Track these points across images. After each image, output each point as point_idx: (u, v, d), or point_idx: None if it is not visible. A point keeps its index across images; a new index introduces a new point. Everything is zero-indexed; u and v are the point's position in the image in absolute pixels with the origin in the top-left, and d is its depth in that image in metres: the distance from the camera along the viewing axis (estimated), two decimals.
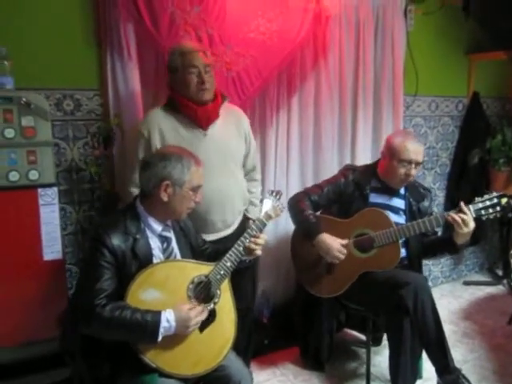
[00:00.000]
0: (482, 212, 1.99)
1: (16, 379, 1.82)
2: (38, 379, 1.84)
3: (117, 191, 2.20)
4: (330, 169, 2.66)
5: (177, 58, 1.95)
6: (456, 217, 1.97)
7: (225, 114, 2.06)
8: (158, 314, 1.46)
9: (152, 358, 1.49)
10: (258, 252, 1.72)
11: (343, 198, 2.27)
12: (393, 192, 2.26)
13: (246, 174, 2.20)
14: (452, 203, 2.02)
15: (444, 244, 2.15)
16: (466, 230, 1.97)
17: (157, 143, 1.93)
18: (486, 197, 2.00)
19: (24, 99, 1.76)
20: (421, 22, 3.02)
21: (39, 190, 1.83)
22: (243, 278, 2.15)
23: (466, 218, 1.96)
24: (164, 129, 1.94)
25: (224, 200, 2.03)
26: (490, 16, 3.10)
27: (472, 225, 1.97)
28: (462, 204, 2.00)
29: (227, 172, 2.04)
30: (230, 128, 2.08)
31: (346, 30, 2.69)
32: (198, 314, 1.52)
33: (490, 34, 3.18)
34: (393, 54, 2.88)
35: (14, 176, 1.79)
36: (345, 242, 2.13)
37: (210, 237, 2.03)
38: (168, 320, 1.46)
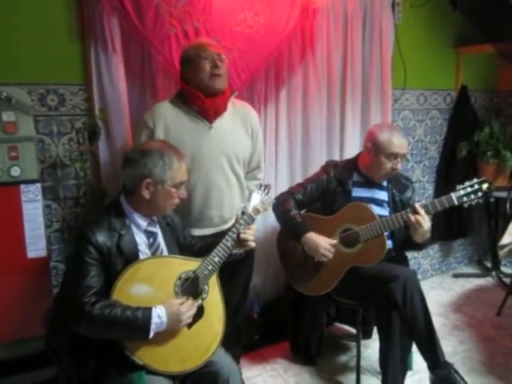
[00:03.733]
0: (465, 199, 2.01)
1: (0, 379, 1.79)
2: (22, 378, 1.82)
3: (104, 186, 2.17)
4: (319, 162, 2.64)
5: (190, 50, 1.95)
6: (412, 217, 1.99)
7: (233, 109, 2.05)
8: (148, 310, 1.44)
9: (139, 355, 1.47)
10: (252, 244, 1.71)
11: (327, 194, 2.26)
12: (375, 185, 2.26)
13: (248, 172, 2.17)
14: (441, 196, 2.04)
15: (410, 240, 2.15)
16: (420, 230, 1.99)
17: (160, 134, 1.92)
18: (467, 183, 2.02)
19: (4, 94, 1.73)
20: (408, 15, 3.01)
21: (21, 186, 1.80)
22: (238, 272, 2.16)
23: (420, 219, 1.98)
24: (169, 120, 1.94)
25: (223, 196, 2.02)
26: (477, 9, 3.11)
27: (427, 225, 1.99)
28: (416, 205, 2.02)
29: (229, 168, 2.02)
30: (237, 124, 2.06)
31: (333, 23, 2.68)
32: (189, 308, 1.51)
33: (478, 27, 3.19)
34: (381, 48, 2.87)
35: None
36: (334, 241, 2.12)
37: (207, 231, 2.02)
38: (159, 316, 1.45)
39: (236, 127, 2.05)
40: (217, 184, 1.99)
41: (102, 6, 2.04)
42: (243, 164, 2.09)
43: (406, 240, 2.19)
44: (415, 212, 2.00)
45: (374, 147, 2.16)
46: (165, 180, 1.54)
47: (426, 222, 1.99)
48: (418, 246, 2.17)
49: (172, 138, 1.90)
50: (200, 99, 1.93)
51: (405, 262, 2.30)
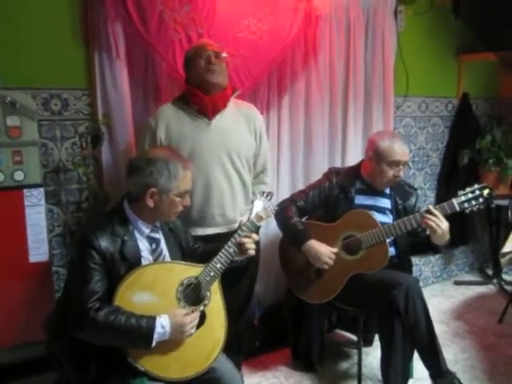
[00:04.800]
0: (466, 205, 2.00)
1: (2, 383, 1.79)
2: (24, 383, 1.81)
3: (106, 191, 2.17)
4: (321, 169, 2.64)
5: (190, 51, 2.02)
6: (428, 221, 1.97)
7: (236, 108, 2.07)
8: (152, 319, 1.44)
9: (141, 361, 1.47)
10: (251, 252, 1.70)
11: (329, 201, 2.25)
12: (378, 192, 2.25)
13: (255, 176, 2.17)
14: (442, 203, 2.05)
15: (425, 244, 2.14)
16: (439, 231, 1.96)
17: (162, 134, 1.97)
18: (468, 189, 2.02)
19: (9, 98, 1.73)
20: (411, 22, 3.03)
21: (25, 190, 1.80)
22: (241, 279, 2.16)
23: (437, 221, 1.96)
24: (170, 120, 1.98)
25: (224, 193, 2.02)
26: (479, 17, 3.12)
27: (444, 225, 1.97)
28: (430, 207, 2.01)
29: (229, 166, 2.02)
30: (240, 122, 2.07)
31: (336, 30, 2.69)
32: (193, 319, 1.50)
33: (480, 35, 3.20)
34: (383, 55, 2.88)
35: None
36: (335, 250, 2.12)
37: (209, 230, 2.02)
38: (163, 326, 1.44)
39: (238, 125, 2.06)
40: (217, 181, 2.00)
41: (106, 11, 2.05)
42: (247, 164, 2.09)
43: (421, 244, 2.17)
44: (431, 214, 1.98)
45: (376, 155, 2.16)
46: (170, 189, 1.54)
47: (442, 222, 1.97)
48: (437, 249, 2.11)
49: (173, 136, 1.96)
50: (199, 97, 1.97)
51: (409, 269, 2.30)
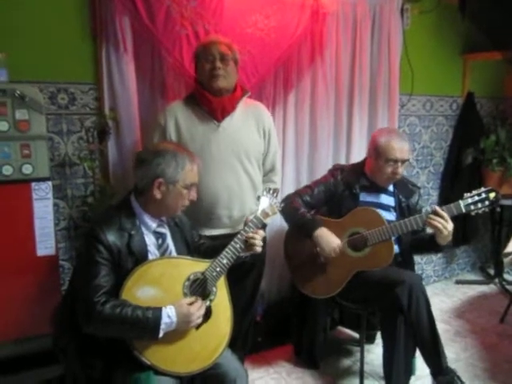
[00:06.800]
0: (472, 207, 2.01)
1: (8, 376, 1.80)
2: (30, 376, 1.82)
3: (112, 185, 2.18)
4: (326, 166, 2.65)
5: (198, 49, 2.01)
6: (435, 222, 1.97)
7: (245, 108, 2.07)
8: (158, 310, 1.45)
9: (147, 355, 1.48)
10: (258, 249, 1.70)
11: (334, 198, 2.26)
12: (382, 190, 2.26)
13: (264, 175, 2.18)
14: (446, 203, 2.04)
15: (428, 244, 2.15)
16: (445, 232, 1.97)
17: (172, 132, 1.98)
18: (475, 192, 2.03)
19: (18, 92, 1.73)
20: (417, 20, 3.02)
21: (33, 184, 1.80)
22: (247, 276, 2.16)
23: (443, 222, 1.97)
24: (180, 119, 1.99)
25: (232, 195, 2.02)
26: (485, 16, 3.12)
27: (450, 227, 1.98)
28: (437, 208, 2.00)
29: (239, 167, 2.02)
30: (249, 123, 2.07)
31: (343, 27, 2.69)
32: (198, 308, 1.51)
33: (485, 34, 3.20)
34: (389, 53, 2.88)
35: (7, 170, 1.76)
36: (341, 242, 2.12)
37: (215, 231, 2.03)
38: (169, 315, 1.45)
39: (247, 126, 2.06)
40: (226, 182, 2.00)
41: (114, 5, 2.06)
42: (257, 165, 2.09)
43: (424, 243, 2.18)
44: (438, 215, 1.98)
45: (374, 152, 2.18)
46: (177, 180, 1.55)
47: (449, 223, 1.98)
48: (438, 249, 2.13)
49: (183, 135, 1.97)
50: (207, 99, 1.97)
51: (411, 266, 2.30)
